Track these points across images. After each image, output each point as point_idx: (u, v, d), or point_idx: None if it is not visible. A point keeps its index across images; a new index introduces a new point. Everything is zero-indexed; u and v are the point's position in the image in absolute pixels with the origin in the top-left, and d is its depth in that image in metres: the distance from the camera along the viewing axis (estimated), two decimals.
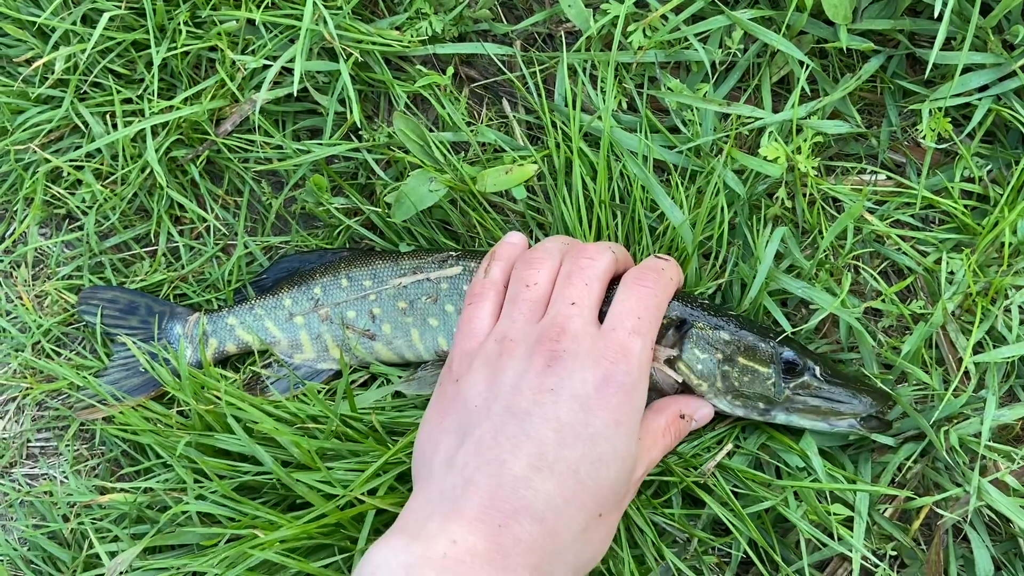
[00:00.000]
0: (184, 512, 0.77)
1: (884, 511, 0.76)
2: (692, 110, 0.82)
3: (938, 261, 0.77)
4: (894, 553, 0.76)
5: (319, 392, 0.80)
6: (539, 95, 0.85)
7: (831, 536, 0.72)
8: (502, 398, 0.61)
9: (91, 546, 0.82)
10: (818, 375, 0.73)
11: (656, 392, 0.74)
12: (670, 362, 0.73)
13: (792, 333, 0.75)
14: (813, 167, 0.79)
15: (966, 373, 0.76)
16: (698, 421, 0.74)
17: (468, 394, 0.64)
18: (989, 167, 0.80)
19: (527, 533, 0.56)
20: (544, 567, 0.56)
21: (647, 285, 0.69)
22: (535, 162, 0.83)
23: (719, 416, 0.78)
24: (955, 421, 0.75)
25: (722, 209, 0.79)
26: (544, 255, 0.72)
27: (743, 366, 0.73)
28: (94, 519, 0.83)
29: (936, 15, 0.73)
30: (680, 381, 0.74)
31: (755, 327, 0.76)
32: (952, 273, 0.77)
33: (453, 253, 0.84)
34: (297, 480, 0.72)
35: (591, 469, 0.59)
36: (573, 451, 0.59)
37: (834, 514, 0.72)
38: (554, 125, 0.84)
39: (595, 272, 0.69)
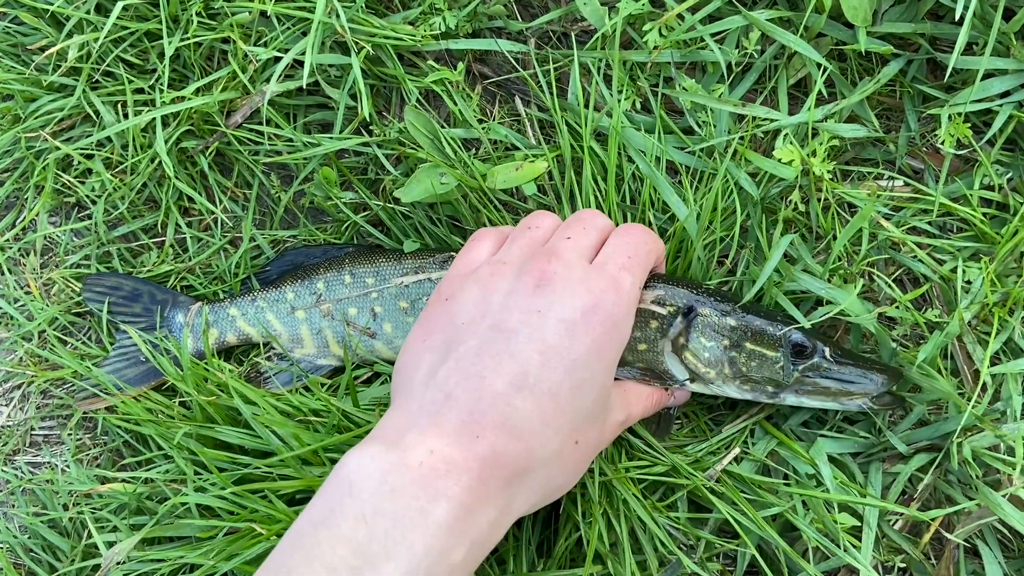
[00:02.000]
0: (183, 504, 0.77)
1: (894, 523, 0.74)
2: (707, 111, 0.81)
3: (954, 270, 0.76)
4: (903, 566, 0.74)
5: (321, 387, 0.79)
6: (552, 93, 0.84)
7: (842, 544, 0.71)
8: (490, 316, 0.62)
9: (90, 536, 0.82)
10: (828, 356, 0.72)
11: (664, 381, 0.74)
12: (677, 349, 0.72)
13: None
14: (828, 171, 0.77)
15: (982, 385, 0.75)
16: (676, 399, 0.76)
17: (456, 311, 0.64)
18: (1009, 175, 0.79)
19: (503, 447, 0.57)
20: (517, 482, 0.58)
21: (636, 233, 0.71)
22: (545, 160, 0.82)
23: (728, 415, 0.77)
24: (969, 433, 0.73)
25: (734, 211, 0.78)
26: (548, 214, 0.74)
27: (750, 351, 0.72)
28: (94, 508, 0.83)
29: (957, 19, 0.72)
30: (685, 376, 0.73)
31: (762, 312, 0.74)
32: (969, 282, 0.75)
33: (453, 253, 0.83)
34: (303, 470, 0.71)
35: (570, 394, 0.60)
36: (555, 374, 0.60)
37: (841, 524, 0.71)
38: (567, 124, 0.83)
39: (594, 224, 0.71)
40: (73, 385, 0.92)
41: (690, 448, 0.75)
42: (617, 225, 0.73)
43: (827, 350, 0.72)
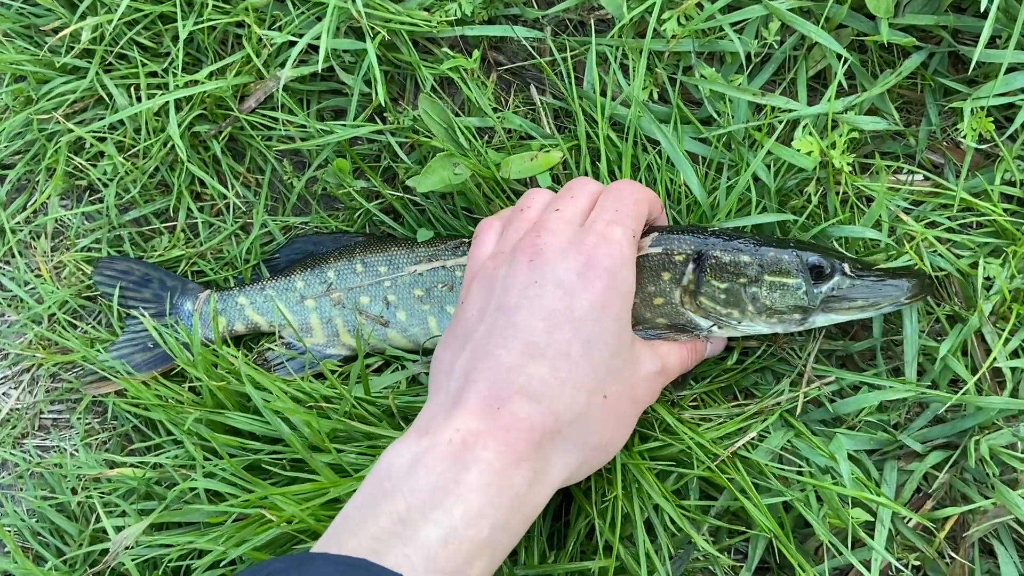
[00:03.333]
0: (192, 489, 0.76)
1: (908, 521, 0.73)
2: (725, 100, 0.80)
3: (974, 265, 0.75)
4: (917, 564, 0.73)
5: (333, 374, 0.79)
6: (569, 82, 0.83)
7: (851, 541, 0.70)
8: (493, 301, 0.65)
9: (98, 520, 0.81)
10: (848, 272, 0.71)
11: (690, 334, 0.73)
12: (691, 296, 0.71)
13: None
14: (848, 163, 0.76)
15: (999, 382, 0.74)
16: (712, 344, 0.75)
17: (467, 309, 0.67)
18: None
19: (525, 411, 0.59)
20: (549, 443, 0.60)
21: (622, 187, 0.71)
22: (560, 150, 0.82)
23: (749, 403, 0.76)
24: (986, 431, 0.72)
25: (750, 201, 0.77)
26: (540, 192, 0.74)
27: (771, 283, 0.71)
28: (102, 493, 0.82)
29: (982, 11, 0.71)
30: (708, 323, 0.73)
31: (773, 240, 0.73)
32: (989, 278, 0.74)
33: (466, 240, 0.82)
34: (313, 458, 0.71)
35: (582, 351, 0.61)
36: (562, 335, 0.61)
37: (855, 518, 0.70)
38: (583, 112, 0.82)
39: (583, 190, 0.71)
40: (82, 369, 0.92)
41: (711, 434, 0.73)
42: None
43: (846, 266, 0.71)
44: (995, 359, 0.72)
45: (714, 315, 0.72)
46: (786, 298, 0.71)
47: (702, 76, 0.80)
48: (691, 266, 0.71)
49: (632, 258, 0.67)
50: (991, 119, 0.75)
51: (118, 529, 0.78)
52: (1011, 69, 0.74)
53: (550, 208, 0.70)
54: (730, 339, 0.77)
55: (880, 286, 0.70)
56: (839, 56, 0.77)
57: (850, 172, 0.77)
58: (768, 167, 0.78)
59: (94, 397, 0.90)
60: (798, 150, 0.76)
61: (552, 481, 0.60)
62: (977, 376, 0.72)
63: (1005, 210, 0.76)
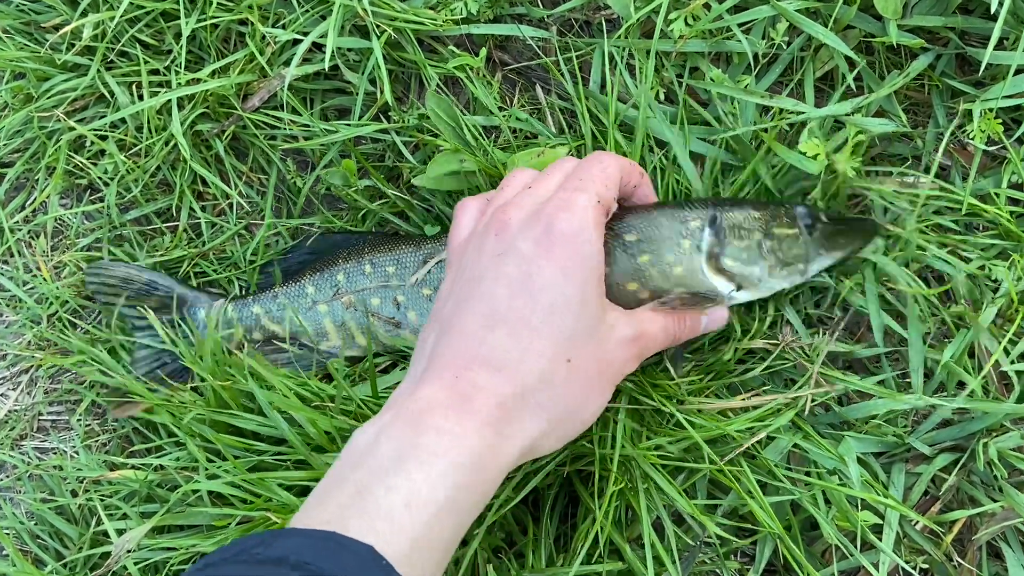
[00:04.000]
0: (195, 492, 0.76)
1: (915, 523, 0.73)
2: (732, 102, 0.79)
3: (981, 268, 0.75)
4: (925, 567, 0.73)
5: (341, 374, 0.78)
6: (576, 82, 0.83)
7: (859, 544, 0.70)
8: (462, 277, 0.66)
9: (99, 522, 0.81)
10: (824, 219, 0.75)
11: (706, 303, 0.73)
12: (715, 259, 0.73)
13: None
14: (853, 167, 0.76)
15: (1006, 385, 0.74)
16: (710, 318, 0.74)
17: (441, 290, 0.68)
18: None
19: (485, 380, 0.60)
20: (513, 409, 0.60)
21: (592, 158, 0.70)
22: (567, 147, 0.81)
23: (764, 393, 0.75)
24: (994, 434, 0.72)
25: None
26: (522, 172, 0.74)
27: (778, 235, 0.74)
28: (103, 495, 0.82)
29: (991, 13, 0.71)
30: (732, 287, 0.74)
31: (760, 200, 0.76)
32: (995, 281, 0.74)
33: None
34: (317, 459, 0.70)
35: (544, 317, 0.61)
36: (522, 301, 0.62)
37: (863, 521, 0.70)
38: (589, 113, 0.82)
39: (560, 167, 0.71)
40: (85, 364, 0.90)
41: (716, 424, 0.72)
42: None
43: (822, 214, 0.75)
44: (998, 361, 0.72)
45: (737, 277, 0.73)
46: (792, 247, 0.74)
47: (710, 79, 0.80)
48: (708, 230, 0.73)
49: (596, 223, 0.65)
50: (999, 121, 0.75)
51: (119, 532, 0.77)
52: (1019, 71, 0.74)
53: (526, 187, 0.70)
54: (732, 338, 0.77)
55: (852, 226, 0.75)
56: (847, 58, 0.77)
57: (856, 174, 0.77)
58: (775, 168, 0.78)
59: (116, 420, 0.89)
60: (804, 153, 0.76)
61: (517, 443, 0.60)
62: (980, 378, 0.72)
63: (1011, 213, 0.76)
